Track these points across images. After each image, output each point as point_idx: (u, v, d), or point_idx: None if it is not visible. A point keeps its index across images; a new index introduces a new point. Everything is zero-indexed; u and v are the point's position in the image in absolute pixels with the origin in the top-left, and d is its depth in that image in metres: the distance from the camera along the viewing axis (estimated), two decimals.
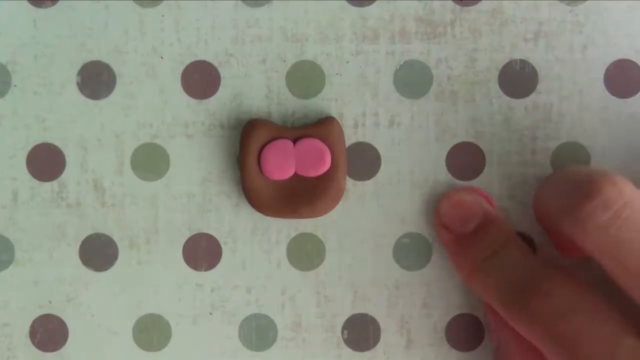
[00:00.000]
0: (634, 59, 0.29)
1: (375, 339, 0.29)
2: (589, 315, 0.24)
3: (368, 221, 0.29)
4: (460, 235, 0.28)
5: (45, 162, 0.29)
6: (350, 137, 0.29)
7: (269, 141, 0.28)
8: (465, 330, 0.29)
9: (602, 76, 0.29)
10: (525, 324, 0.25)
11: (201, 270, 0.29)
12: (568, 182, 0.25)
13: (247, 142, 0.28)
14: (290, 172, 0.28)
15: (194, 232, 0.29)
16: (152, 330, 0.29)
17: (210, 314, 0.29)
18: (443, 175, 0.29)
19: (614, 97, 0.29)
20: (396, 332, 0.29)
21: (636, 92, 0.29)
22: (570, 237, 0.24)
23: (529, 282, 0.25)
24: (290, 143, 0.28)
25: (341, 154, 0.28)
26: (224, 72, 0.29)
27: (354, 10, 0.29)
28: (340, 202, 0.29)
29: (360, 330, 0.29)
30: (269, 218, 0.29)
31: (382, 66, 0.29)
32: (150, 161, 0.29)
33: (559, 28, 0.29)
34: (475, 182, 0.29)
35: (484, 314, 0.29)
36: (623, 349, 0.23)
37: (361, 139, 0.29)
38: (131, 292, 0.29)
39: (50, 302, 0.29)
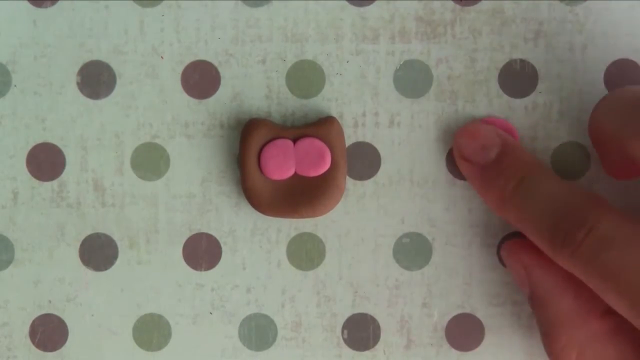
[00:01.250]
0: (634, 59, 0.29)
1: (375, 339, 0.29)
2: (634, 245, 0.23)
3: (368, 221, 0.29)
4: (483, 166, 0.27)
5: (45, 162, 0.29)
6: (350, 137, 0.29)
7: (269, 141, 0.28)
8: (465, 330, 0.29)
9: (602, 76, 0.29)
10: (567, 257, 0.24)
11: (201, 270, 0.29)
12: (629, 101, 0.25)
13: (247, 142, 0.28)
14: (290, 172, 0.28)
15: (194, 232, 0.29)
16: (152, 330, 0.29)
17: (210, 313, 0.29)
18: (443, 175, 0.29)
19: None
20: (396, 332, 0.29)
21: None
22: (635, 157, 0.24)
23: (571, 214, 0.24)
24: (290, 143, 0.28)
25: (341, 154, 0.28)
26: (224, 72, 0.29)
27: (354, 10, 0.29)
28: (340, 202, 0.29)
29: (360, 330, 0.29)
30: (269, 218, 0.29)
31: (382, 66, 0.29)
32: (150, 161, 0.29)
33: (559, 28, 0.29)
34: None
35: (510, 261, 0.28)
36: None
37: (361, 139, 0.29)
38: (131, 292, 0.29)
39: (50, 302, 0.29)
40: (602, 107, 0.26)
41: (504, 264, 0.29)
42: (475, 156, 0.27)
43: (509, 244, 0.28)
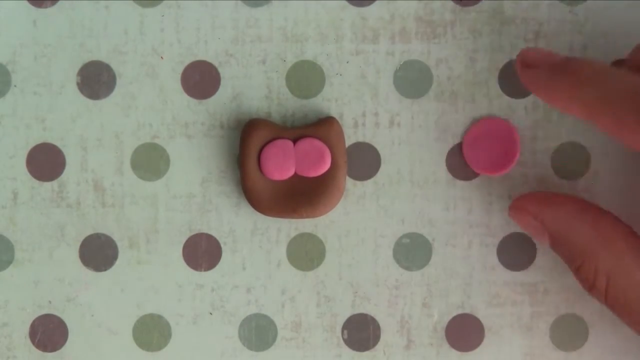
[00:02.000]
0: None
1: (375, 339, 0.29)
2: None
3: (368, 221, 0.29)
4: (550, 67, 0.26)
5: (45, 162, 0.29)
6: (350, 137, 0.29)
7: (269, 141, 0.28)
8: (465, 330, 0.29)
9: None
10: None
11: (201, 270, 0.29)
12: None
13: (247, 142, 0.28)
14: (290, 172, 0.28)
15: (194, 232, 0.29)
16: (152, 330, 0.29)
17: (210, 314, 0.29)
18: (443, 175, 0.29)
19: None
20: (396, 332, 0.29)
21: None
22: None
23: None
24: (290, 143, 0.28)
25: (341, 154, 0.28)
26: (224, 72, 0.29)
27: (354, 10, 0.29)
28: (340, 202, 0.29)
29: (360, 330, 0.29)
30: (269, 218, 0.29)
31: (382, 66, 0.29)
32: (150, 161, 0.29)
33: (559, 28, 0.29)
34: (475, 182, 0.29)
35: (520, 217, 0.27)
36: None
37: (361, 139, 0.29)
38: (131, 292, 0.29)
39: (50, 302, 0.29)
40: None
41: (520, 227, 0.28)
42: (541, 58, 0.26)
43: (513, 203, 0.28)
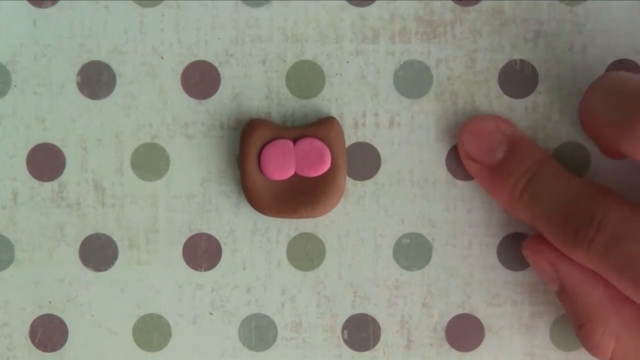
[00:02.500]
0: (634, 59, 0.29)
1: (375, 339, 0.29)
2: None
3: (368, 221, 0.29)
4: (490, 165, 0.27)
5: (45, 162, 0.29)
6: (350, 137, 0.29)
7: (269, 141, 0.28)
8: (465, 330, 0.29)
9: None
10: (582, 255, 0.24)
11: (201, 270, 0.29)
12: (619, 93, 0.25)
13: (247, 142, 0.28)
14: (290, 172, 0.28)
15: (194, 232, 0.29)
16: (152, 330, 0.29)
17: (210, 314, 0.29)
18: (443, 175, 0.29)
19: None
20: (396, 332, 0.29)
21: None
22: (627, 153, 0.24)
23: (579, 212, 0.24)
24: (290, 143, 0.28)
25: (341, 154, 0.28)
26: (224, 72, 0.29)
27: (354, 10, 0.29)
28: (340, 202, 0.29)
29: (360, 330, 0.29)
30: (269, 218, 0.29)
31: (382, 66, 0.29)
32: (150, 161, 0.29)
33: (559, 28, 0.29)
34: (475, 182, 0.29)
35: (534, 258, 0.27)
36: None
37: (361, 139, 0.29)
38: (131, 292, 0.29)
39: (50, 302, 0.29)
40: (592, 94, 0.27)
41: (526, 263, 0.29)
42: (482, 156, 0.27)
43: (530, 242, 0.27)
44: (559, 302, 0.27)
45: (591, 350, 0.26)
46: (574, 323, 0.26)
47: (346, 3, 0.29)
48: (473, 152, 0.27)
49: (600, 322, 0.25)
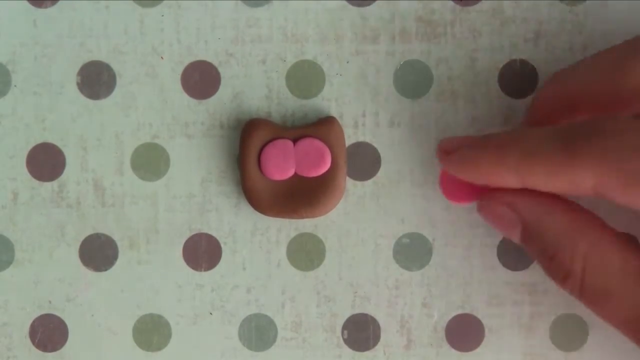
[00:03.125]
0: None
1: (375, 339, 0.29)
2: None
3: (368, 221, 0.29)
4: (469, 143, 0.26)
5: (45, 162, 0.29)
6: (350, 137, 0.29)
7: (269, 141, 0.28)
8: (465, 330, 0.29)
9: None
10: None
11: (201, 270, 0.29)
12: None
13: (247, 142, 0.28)
14: (290, 172, 0.28)
15: (194, 232, 0.29)
16: (152, 330, 0.29)
17: (210, 314, 0.29)
18: None
19: None
20: (396, 332, 0.29)
21: None
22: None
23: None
24: (290, 143, 0.28)
25: (341, 154, 0.28)
26: (224, 72, 0.29)
27: (354, 10, 0.29)
28: (340, 202, 0.29)
29: (360, 330, 0.29)
30: (269, 218, 0.29)
31: (382, 66, 0.29)
32: (150, 161, 0.29)
33: (559, 28, 0.29)
34: None
35: (492, 206, 0.27)
36: None
37: (361, 139, 0.29)
38: (131, 292, 0.29)
39: (50, 302, 0.29)
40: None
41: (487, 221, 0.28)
42: (461, 142, 0.27)
43: (485, 196, 0.27)
44: (529, 253, 0.26)
45: (564, 281, 0.25)
46: (542, 262, 0.26)
47: (346, 3, 0.29)
48: (452, 142, 0.27)
49: (568, 247, 0.25)
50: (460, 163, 0.26)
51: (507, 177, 0.25)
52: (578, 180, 0.23)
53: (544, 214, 0.25)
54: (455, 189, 0.27)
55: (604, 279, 0.24)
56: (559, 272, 0.25)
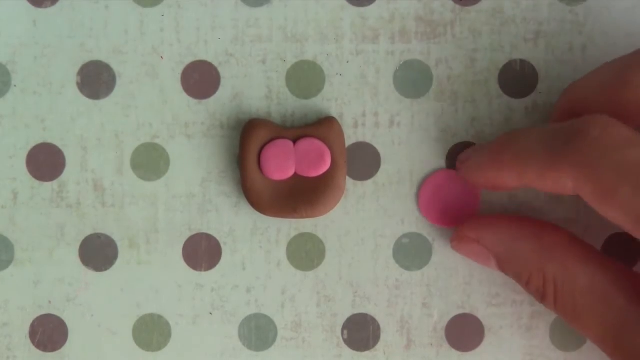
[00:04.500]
0: None
1: (375, 339, 0.29)
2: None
3: (368, 221, 0.29)
4: (480, 149, 0.27)
5: (45, 162, 0.29)
6: (350, 137, 0.29)
7: (269, 141, 0.28)
8: (465, 330, 0.29)
9: None
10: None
11: (201, 270, 0.29)
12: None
13: (247, 142, 0.28)
14: (290, 172, 0.28)
15: (194, 232, 0.29)
16: (152, 330, 0.29)
17: (210, 314, 0.29)
18: None
19: None
20: (396, 332, 0.29)
21: None
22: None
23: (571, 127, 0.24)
24: (290, 143, 0.28)
25: (341, 154, 0.28)
26: (224, 72, 0.29)
27: (354, 10, 0.29)
28: (340, 202, 0.29)
29: (360, 330, 0.29)
30: (269, 218, 0.29)
31: (382, 66, 0.29)
32: (150, 161, 0.29)
33: (559, 28, 0.29)
34: None
35: (463, 244, 0.28)
36: None
37: (361, 139, 0.29)
38: (131, 292, 0.29)
39: (50, 302, 0.29)
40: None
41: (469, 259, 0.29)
42: (474, 150, 0.28)
43: (453, 235, 0.28)
44: (505, 276, 0.28)
45: (542, 301, 0.26)
46: (521, 285, 0.26)
47: (346, 3, 0.29)
48: (466, 154, 0.28)
49: (539, 272, 0.26)
50: (468, 169, 0.27)
51: (508, 178, 0.25)
52: (561, 183, 0.23)
53: (511, 242, 0.26)
54: (436, 211, 0.29)
55: (573, 299, 0.25)
56: (537, 294, 0.26)
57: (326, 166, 0.28)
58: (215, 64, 0.29)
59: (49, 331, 0.29)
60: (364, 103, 0.29)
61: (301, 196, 0.28)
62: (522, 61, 0.29)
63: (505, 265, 0.27)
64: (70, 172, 0.29)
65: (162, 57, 0.29)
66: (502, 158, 0.25)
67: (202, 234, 0.29)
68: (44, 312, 0.29)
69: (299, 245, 0.29)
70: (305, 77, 0.29)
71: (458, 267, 0.29)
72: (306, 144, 0.28)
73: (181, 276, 0.29)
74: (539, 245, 0.26)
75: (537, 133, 0.24)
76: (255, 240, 0.29)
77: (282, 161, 0.28)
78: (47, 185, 0.29)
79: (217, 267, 0.29)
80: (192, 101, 0.29)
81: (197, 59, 0.29)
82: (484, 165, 0.26)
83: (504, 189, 0.26)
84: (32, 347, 0.29)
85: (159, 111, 0.29)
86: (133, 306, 0.29)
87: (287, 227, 0.29)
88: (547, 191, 0.24)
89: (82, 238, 0.29)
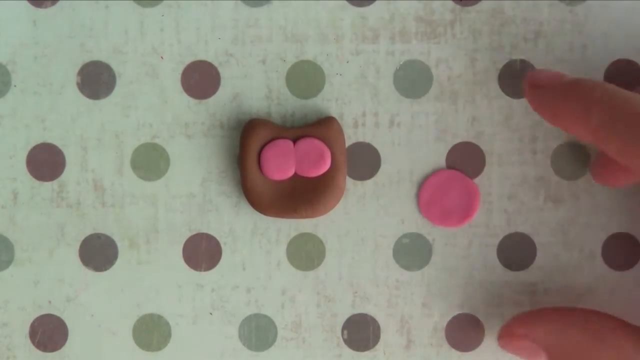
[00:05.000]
0: (634, 59, 0.29)
1: (375, 339, 0.29)
2: None
3: (368, 221, 0.29)
4: (559, 85, 0.25)
5: (45, 162, 0.29)
6: (350, 137, 0.29)
7: (269, 141, 0.28)
8: (465, 330, 0.29)
9: (602, 76, 0.29)
10: None
11: (201, 270, 0.29)
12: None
13: (247, 142, 0.28)
14: (290, 172, 0.28)
15: (194, 232, 0.29)
16: (152, 330, 0.29)
17: (210, 314, 0.29)
18: None
19: None
20: (396, 332, 0.29)
21: None
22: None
23: None
24: (290, 143, 0.28)
25: (341, 154, 0.28)
26: (224, 72, 0.29)
27: (354, 10, 0.29)
28: (340, 202, 0.29)
29: (360, 330, 0.29)
30: (269, 218, 0.29)
31: (382, 66, 0.29)
32: (150, 161, 0.29)
33: (559, 28, 0.29)
34: (475, 182, 0.29)
35: (513, 342, 0.27)
36: None
37: (361, 139, 0.29)
38: (131, 292, 0.29)
39: (50, 302, 0.29)
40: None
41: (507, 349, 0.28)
42: (551, 80, 0.26)
43: (501, 333, 0.27)
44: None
45: None
46: None
47: (346, 3, 0.29)
48: (542, 77, 0.26)
49: (593, 357, 0.25)
50: (541, 103, 0.26)
51: (582, 129, 0.24)
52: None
53: (561, 334, 0.26)
54: (436, 211, 0.29)
55: None
56: None
57: (326, 166, 0.28)
58: (215, 64, 0.29)
59: (49, 331, 0.29)
60: (364, 103, 0.29)
61: (301, 196, 0.28)
62: (522, 61, 0.29)
63: (557, 357, 0.26)
64: (70, 172, 0.29)
65: (162, 57, 0.29)
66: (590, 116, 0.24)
67: (202, 234, 0.29)
68: (44, 312, 0.29)
69: (299, 245, 0.29)
70: (305, 77, 0.29)
71: (458, 267, 0.29)
72: (306, 144, 0.28)
73: (181, 276, 0.29)
74: (589, 333, 0.25)
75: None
76: (255, 240, 0.29)
77: (282, 161, 0.28)
78: (47, 185, 0.29)
79: (217, 267, 0.29)
80: (192, 101, 0.29)
81: (197, 59, 0.29)
82: (559, 106, 0.25)
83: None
84: (32, 347, 0.29)
85: (159, 111, 0.29)
86: (133, 306, 0.29)
87: (287, 227, 0.29)
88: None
89: (82, 238, 0.29)
